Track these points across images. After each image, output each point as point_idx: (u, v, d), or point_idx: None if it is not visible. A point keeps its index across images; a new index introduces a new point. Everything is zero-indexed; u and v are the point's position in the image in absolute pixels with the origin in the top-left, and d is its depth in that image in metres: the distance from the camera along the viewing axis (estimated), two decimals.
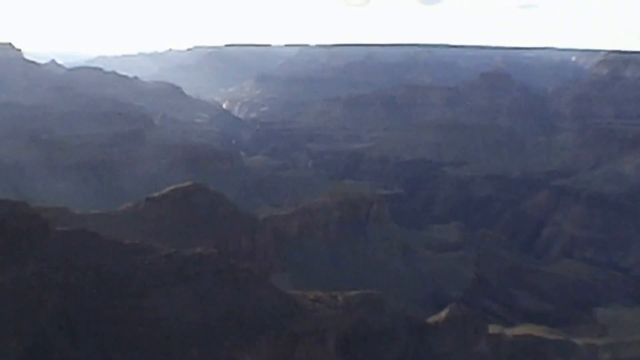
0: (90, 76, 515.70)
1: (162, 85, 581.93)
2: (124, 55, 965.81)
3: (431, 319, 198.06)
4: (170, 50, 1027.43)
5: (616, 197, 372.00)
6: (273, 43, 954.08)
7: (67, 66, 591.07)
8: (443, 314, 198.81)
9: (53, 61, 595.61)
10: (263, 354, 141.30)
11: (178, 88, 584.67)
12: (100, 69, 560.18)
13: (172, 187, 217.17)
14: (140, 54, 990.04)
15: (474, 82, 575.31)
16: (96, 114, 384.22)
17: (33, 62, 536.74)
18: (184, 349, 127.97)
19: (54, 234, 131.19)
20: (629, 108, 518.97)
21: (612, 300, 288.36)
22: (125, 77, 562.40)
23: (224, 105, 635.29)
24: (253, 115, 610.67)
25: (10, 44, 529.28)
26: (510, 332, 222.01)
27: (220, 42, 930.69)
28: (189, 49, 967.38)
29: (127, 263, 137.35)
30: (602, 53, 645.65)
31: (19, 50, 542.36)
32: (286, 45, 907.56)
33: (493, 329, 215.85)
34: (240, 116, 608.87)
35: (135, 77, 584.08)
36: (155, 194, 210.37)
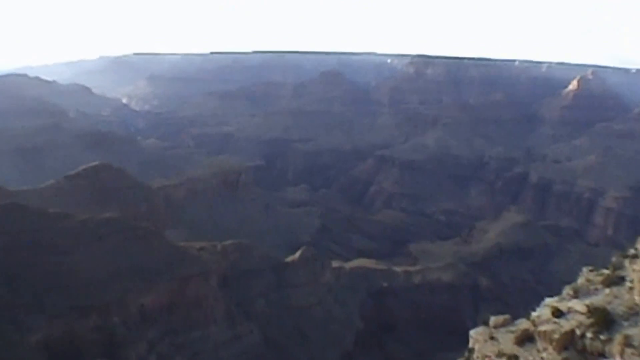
0: (18, 81, 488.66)
1: (75, 87, 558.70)
2: (45, 65, 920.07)
3: (288, 259, 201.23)
4: (81, 59, 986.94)
5: (421, 162, 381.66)
6: (160, 51, 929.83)
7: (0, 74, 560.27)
8: (297, 254, 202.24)
9: None
10: (162, 293, 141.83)
11: (88, 88, 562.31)
12: (26, 75, 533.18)
13: (84, 167, 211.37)
14: (57, 63, 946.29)
15: (315, 79, 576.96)
16: (23, 111, 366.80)
17: None
18: (100, 294, 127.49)
19: None
20: (429, 97, 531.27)
21: (421, 238, 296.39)
22: (46, 81, 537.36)
23: (124, 101, 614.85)
24: (146, 107, 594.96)
25: None
26: (348, 265, 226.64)
27: (121, 52, 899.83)
28: (96, 58, 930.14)
29: (52, 228, 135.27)
30: (410, 56, 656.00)
31: None
32: (170, 54, 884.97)
33: (335, 263, 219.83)
34: (137, 109, 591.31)
35: (54, 81, 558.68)
36: (72, 172, 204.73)
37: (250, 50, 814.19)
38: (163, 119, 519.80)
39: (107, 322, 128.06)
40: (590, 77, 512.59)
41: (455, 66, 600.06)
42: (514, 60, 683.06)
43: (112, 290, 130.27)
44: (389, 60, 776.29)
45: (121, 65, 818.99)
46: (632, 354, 23.10)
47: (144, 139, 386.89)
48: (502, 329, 32.56)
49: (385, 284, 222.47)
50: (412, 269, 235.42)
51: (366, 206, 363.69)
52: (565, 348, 27.31)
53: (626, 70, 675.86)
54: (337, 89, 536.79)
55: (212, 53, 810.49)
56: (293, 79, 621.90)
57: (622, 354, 23.78)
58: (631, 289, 27.87)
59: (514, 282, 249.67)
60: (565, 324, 27.94)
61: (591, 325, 26.71)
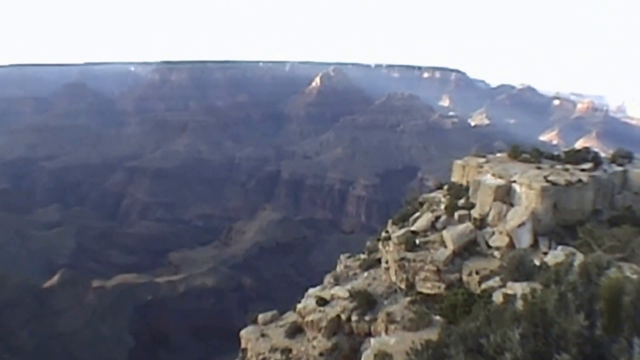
0: None
1: None
2: None
3: (47, 284, 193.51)
4: None
5: (173, 169, 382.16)
6: None
7: None
8: (55, 278, 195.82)
9: None
10: None
11: None
12: None
13: None
14: None
15: (57, 92, 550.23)
16: None
17: None
18: None
19: None
20: (176, 103, 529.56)
21: (181, 246, 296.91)
22: None
23: None
24: None
25: None
26: (109, 283, 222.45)
27: None
28: None
29: None
30: (155, 63, 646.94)
31: None
32: None
33: (96, 283, 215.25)
34: None
35: None
36: None
37: None
38: None
39: None
40: (332, 73, 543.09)
41: (200, 70, 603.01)
42: (258, 62, 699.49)
43: None
44: (132, 69, 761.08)
45: None
46: (395, 328, 26.10)
47: None
48: (272, 325, 35.02)
49: (150, 297, 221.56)
50: (175, 278, 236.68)
51: (121, 219, 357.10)
52: (334, 333, 30.07)
53: (366, 66, 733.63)
54: (82, 101, 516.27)
55: None
56: (34, 93, 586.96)
57: (386, 330, 26.68)
58: (387, 269, 31.24)
59: (277, 278, 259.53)
60: (331, 311, 30.81)
61: (355, 308, 29.71)
